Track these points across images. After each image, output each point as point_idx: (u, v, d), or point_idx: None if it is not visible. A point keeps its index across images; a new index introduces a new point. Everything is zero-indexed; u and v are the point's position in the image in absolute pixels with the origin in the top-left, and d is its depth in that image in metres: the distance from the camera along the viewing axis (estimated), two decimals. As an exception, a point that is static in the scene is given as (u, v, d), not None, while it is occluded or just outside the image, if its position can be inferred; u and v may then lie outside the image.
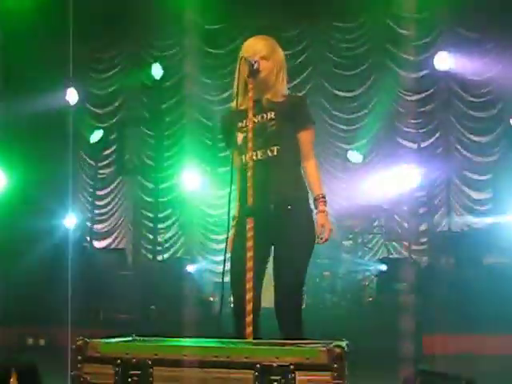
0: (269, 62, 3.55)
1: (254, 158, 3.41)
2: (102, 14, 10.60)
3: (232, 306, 3.48)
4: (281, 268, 3.43)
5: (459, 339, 7.19)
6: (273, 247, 3.48)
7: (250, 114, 3.34)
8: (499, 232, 9.02)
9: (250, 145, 3.31)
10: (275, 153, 3.46)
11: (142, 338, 2.69)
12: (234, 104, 3.59)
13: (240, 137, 3.52)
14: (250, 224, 3.21)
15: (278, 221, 3.41)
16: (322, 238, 3.43)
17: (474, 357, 6.54)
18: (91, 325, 7.59)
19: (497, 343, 6.95)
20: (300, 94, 3.87)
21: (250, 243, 3.15)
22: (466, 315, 7.30)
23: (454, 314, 7.39)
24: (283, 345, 2.47)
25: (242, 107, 3.49)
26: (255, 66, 3.43)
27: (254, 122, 3.42)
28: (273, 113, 3.51)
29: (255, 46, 3.57)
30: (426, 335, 7.24)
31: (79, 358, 2.37)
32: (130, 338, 2.66)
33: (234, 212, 3.60)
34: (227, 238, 3.49)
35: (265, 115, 3.52)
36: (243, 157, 3.48)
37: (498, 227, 9.21)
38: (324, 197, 3.48)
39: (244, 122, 3.45)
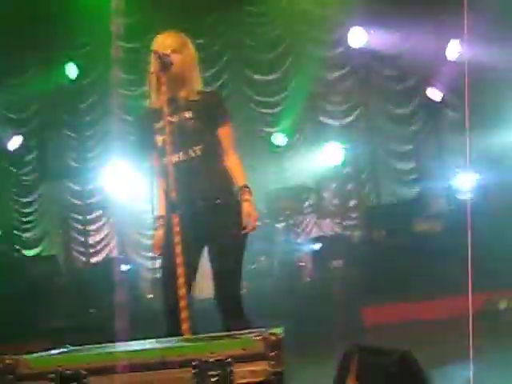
0: (180, 56, 3.52)
1: (176, 159, 3.39)
2: (8, 14, 10.28)
3: (164, 304, 3.43)
4: (217, 263, 3.43)
5: (398, 308, 7.33)
6: (205, 242, 3.47)
7: (165, 112, 3.30)
8: (426, 200, 9.24)
9: (169, 146, 3.28)
10: (198, 152, 3.45)
11: (75, 348, 2.63)
12: (148, 102, 3.55)
13: (159, 139, 3.47)
14: (175, 219, 3.18)
15: (208, 215, 3.41)
16: (249, 227, 3.42)
17: (412, 324, 6.68)
18: (28, 338, 7.38)
19: (433, 308, 7.11)
20: (214, 90, 3.85)
21: (177, 238, 3.13)
22: (402, 284, 7.46)
23: (391, 285, 7.54)
24: (219, 338, 2.46)
25: (157, 106, 3.44)
26: (166, 59, 3.38)
27: (172, 121, 3.39)
28: (190, 112, 3.48)
29: (165, 41, 3.53)
30: (365, 308, 7.36)
31: (10, 377, 2.29)
32: (64, 350, 2.60)
33: (159, 212, 3.57)
34: (154, 236, 3.47)
35: (182, 114, 3.48)
36: (164, 159, 3.41)
37: (425, 195, 9.42)
38: (247, 187, 3.48)
39: (161, 122, 3.38)
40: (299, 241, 8.93)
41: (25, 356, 2.35)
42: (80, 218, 11.07)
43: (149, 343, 2.53)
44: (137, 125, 3.78)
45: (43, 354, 2.49)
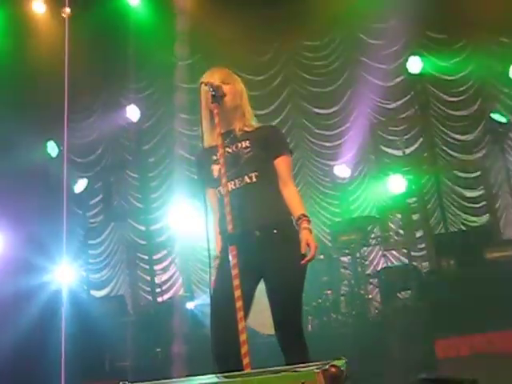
0: (230, 86, 3.49)
1: (232, 187, 3.33)
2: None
3: (213, 349, 3.27)
4: (276, 295, 3.29)
5: (471, 340, 7.07)
6: (262, 275, 3.36)
7: (220, 142, 3.25)
8: (496, 226, 8.96)
9: (226, 174, 3.21)
10: (254, 179, 3.36)
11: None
12: (204, 142, 3.50)
13: (215, 169, 3.41)
14: (233, 252, 3.11)
15: (265, 247, 3.31)
16: (308, 256, 3.30)
17: (486, 356, 6.41)
18: (98, 376, 7.44)
19: (509, 339, 6.82)
20: (271, 124, 3.75)
21: (235, 271, 3.06)
22: (474, 315, 7.18)
23: (463, 315, 7.28)
24: (277, 372, 2.37)
25: (213, 143, 3.40)
26: (218, 90, 3.36)
27: (228, 151, 3.35)
28: (247, 141, 3.42)
29: (213, 74, 3.51)
30: (437, 339, 7.12)
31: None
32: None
33: (216, 251, 3.48)
34: (210, 279, 3.36)
35: (239, 144, 3.42)
36: (220, 189, 3.35)
37: (495, 221, 9.14)
38: (306, 215, 3.36)
39: (218, 154, 3.30)
40: (366, 273, 8.73)
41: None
42: (146, 257, 11.18)
43: (211, 378, 2.47)
44: (196, 161, 3.71)
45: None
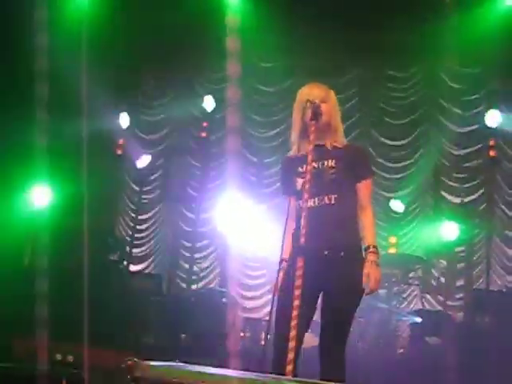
0: (328, 105, 3.64)
1: (311, 204, 3.47)
2: (160, 41, 10.86)
3: (274, 343, 3.48)
4: (329, 314, 3.47)
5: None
6: (321, 293, 3.52)
7: (310, 159, 3.39)
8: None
9: (307, 190, 3.34)
10: (332, 201, 3.51)
11: (187, 365, 2.73)
12: (293, 151, 3.67)
13: (299, 182, 3.56)
14: (299, 263, 3.25)
15: (329, 267, 3.45)
16: (366, 289, 3.43)
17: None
18: (118, 347, 7.58)
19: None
20: (360, 145, 3.93)
21: (298, 282, 3.20)
22: (498, 378, 7.16)
23: (484, 375, 7.26)
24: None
25: (303, 153, 3.56)
26: (318, 109, 3.51)
27: (314, 167, 3.49)
28: (333, 161, 3.57)
29: (314, 91, 3.67)
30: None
31: (128, 377, 2.42)
32: (176, 364, 2.71)
33: (283, 254, 3.64)
34: (277, 279, 3.53)
35: (325, 162, 3.58)
36: (300, 202, 3.49)
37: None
38: (376, 247, 3.50)
39: (304, 167, 3.46)
40: (399, 310, 8.77)
41: (144, 362, 2.48)
42: (188, 244, 11.35)
43: (256, 375, 2.59)
44: (281, 168, 3.89)
45: (158, 363, 2.60)
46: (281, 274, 3.56)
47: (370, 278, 3.41)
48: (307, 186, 3.35)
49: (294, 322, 3.15)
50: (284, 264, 3.59)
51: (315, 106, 3.49)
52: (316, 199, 3.51)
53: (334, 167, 3.56)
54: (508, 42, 9.55)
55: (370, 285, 3.41)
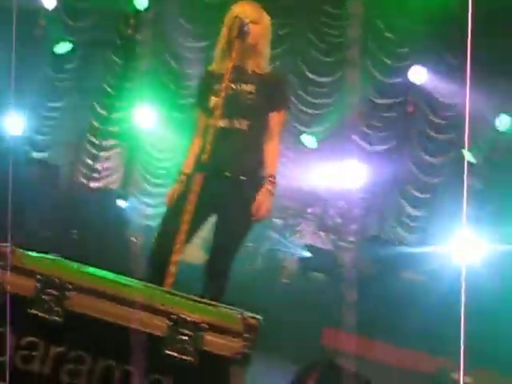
0: (258, 27, 3.56)
1: (221, 124, 3.42)
2: None
3: (157, 254, 3.47)
4: (221, 232, 3.48)
5: (358, 341, 7.36)
6: (215, 212, 3.52)
7: (227, 77, 3.32)
8: (425, 252, 9.24)
9: (220, 109, 3.30)
10: (244, 126, 3.48)
11: (64, 260, 2.68)
12: (213, 66, 3.58)
13: (213, 100, 3.49)
14: (198, 179, 3.23)
15: (228, 188, 3.44)
16: (256, 215, 3.44)
17: (369, 362, 6.72)
18: (6, 232, 7.41)
19: (393, 354, 7.16)
20: (282, 74, 3.87)
21: (192, 196, 3.18)
22: (371, 319, 7.47)
23: (360, 316, 7.55)
24: (202, 303, 2.51)
25: (222, 71, 3.46)
26: (246, 27, 3.42)
27: (232, 87, 3.43)
28: (253, 86, 3.51)
29: (247, 9, 3.56)
30: (327, 329, 7.39)
31: (0, 263, 2.35)
32: (55, 257, 2.65)
33: (183, 168, 3.61)
34: (171, 189, 3.54)
35: (244, 85, 3.51)
36: (210, 120, 3.44)
37: (426, 247, 9.42)
38: (274, 178, 3.50)
39: (221, 85, 3.38)
40: (290, 242, 8.96)
41: (21, 250, 2.41)
42: (95, 141, 11.11)
43: (136, 282, 2.58)
44: (198, 82, 3.80)
45: (35, 254, 2.54)
46: (177, 186, 3.54)
47: (261, 205, 3.43)
48: (220, 104, 3.31)
49: (180, 237, 3.14)
50: (182, 177, 3.55)
51: (243, 23, 3.39)
52: (227, 120, 3.46)
53: (251, 93, 3.50)
54: (449, 4, 9.57)
55: (260, 212, 3.43)
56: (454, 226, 9.36)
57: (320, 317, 7.44)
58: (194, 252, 3.81)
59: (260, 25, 3.57)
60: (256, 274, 8.34)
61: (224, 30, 3.57)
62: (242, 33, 3.39)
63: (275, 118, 3.57)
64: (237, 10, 3.57)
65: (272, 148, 3.56)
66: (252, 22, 3.51)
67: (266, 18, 3.66)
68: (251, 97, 3.49)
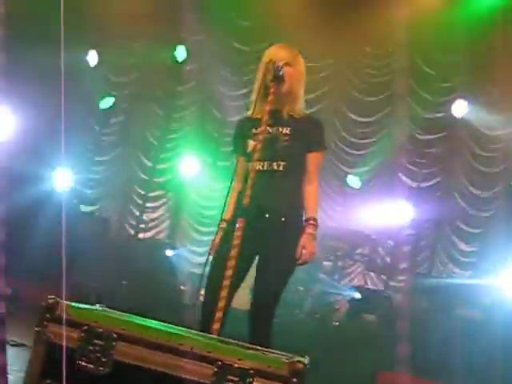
0: (293, 70, 3.56)
1: (260, 167, 3.43)
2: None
3: (203, 300, 3.47)
4: (263, 277, 3.45)
5: (414, 382, 7.19)
6: (257, 256, 3.50)
7: (264, 121, 3.34)
8: (478, 287, 9.04)
9: (258, 153, 3.32)
10: (281, 168, 3.46)
11: (111, 311, 2.70)
12: (250, 111, 3.58)
13: (251, 144, 3.51)
14: (240, 224, 3.23)
15: (269, 230, 3.43)
16: (300, 259, 3.43)
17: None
18: (58, 285, 7.51)
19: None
20: (317, 117, 3.85)
21: (236, 242, 3.17)
22: (428, 360, 7.31)
23: (416, 357, 7.39)
24: (247, 349, 2.49)
25: (259, 116, 3.47)
26: (281, 71, 3.43)
27: (268, 131, 3.44)
28: (289, 128, 3.51)
29: (280, 52, 3.57)
30: (382, 372, 7.24)
31: (47, 316, 2.37)
32: (100, 308, 2.67)
33: (224, 215, 3.59)
34: (214, 238, 3.51)
35: (280, 129, 3.51)
36: (249, 164, 3.46)
37: (478, 282, 9.23)
38: (315, 220, 3.48)
39: (258, 129, 3.41)
40: (341, 284, 8.87)
41: (66, 302, 2.43)
42: (142, 192, 11.26)
43: (182, 330, 2.58)
44: (236, 127, 3.82)
45: (82, 305, 2.56)
46: (219, 233, 3.53)
47: (305, 249, 3.41)
48: (258, 148, 3.32)
49: (226, 282, 3.13)
50: (224, 224, 3.54)
51: (278, 67, 3.40)
52: (265, 163, 3.46)
53: (287, 134, 3.50)
54: (487, 36, 9.54)
55: (304, 256, 3.41)
56: (507, 260, 9.18)
57: (374, 359, 7.30)
58: (243, 298, 3.77)
59: (295, 67, 3.58)
60: (307, 317, 8.24)
61: (259, 74, 3.57)
62: (276, 77, 3.41)
63: (312, 159, 3.56)
64: (271, 52, 3.58)
65: (312, 190, 3.54)
66: (286, 64, 3.52)
67: (301, 61, 3.66)
68: (287, 138, 3.49)
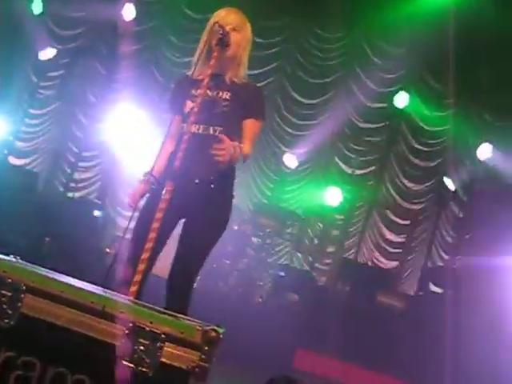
0: (239, 36, 3.47)
1: (195, 130, 3.35)
2: None
3: (124, 262, 3.37)
4: (187, 242, 3.36)
5: (330, 362, 7.30)
6: (183, 220, 3.42)
7: (204, 83, 3.27)
8: (399, 276, 9.25)
9: (195, 115, 3.25)
10: (217, 133, 3.35)
11: (24, 263, 2.59)
12: (191, 71, 3.49)
13: (189, 105, 3.42)
14: (168, 187, 3.15)
15: (197, 196, 3.35)
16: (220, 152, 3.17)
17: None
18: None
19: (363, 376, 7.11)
20: (258, 86, 3.76)
21: (162, 205, 3.10)
22: (343, 342, 7.41)
23: (333, 338, 7.49)
24: (162, 313, 2.43)
25: (200, 77, 3.40)
26: (226, 36, 3.36)
27: (208, 94, 3.36)
28: (229, 94, 3.42)
29: (228, 17, 3.48)
30: (300, 349, 7.32)
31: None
32: (13, 259, 2.56)
33: (151, 169, 3.44)
34: (135, 189, 3.43)
35: (220, 92, 3.42)
36: (184, 125, 3.38)
37: (400, 271, 9.43)
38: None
39: (198, 91, 3.34)
40: (267, 261, 8.89)
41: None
42: (76, 150, 11.00)
43: (95, 289, 2.50)
44: (174, 85, 3.72)
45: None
46: (140, 186, 3.41)
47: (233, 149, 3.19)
48: (195, 110, 3.24)
49: (148, 245, 3.06)
50: (149, 178, 3.40)
51: (224, 31, 3.33)
52: (201, 126, 3.37)
53: (227, 100, 3.42)
54: (435, 34, 9.63)
55: (227, 152, 3.14)
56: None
57: (293, 337, 7.37)
58: (166, 266, 3.69)
59: (241, 33, 3.49)
60: (230, 291, 8.24)
61: (204, 36, 3.48)
62: (221, 41, 3.33)
63: (249, 126, 3.45)
64: (220, 15, 3.49)
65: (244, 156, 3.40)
66: (233, 29, 3.44)
67: (248, 27, 3.58)
68: (226, 104, 3.41)
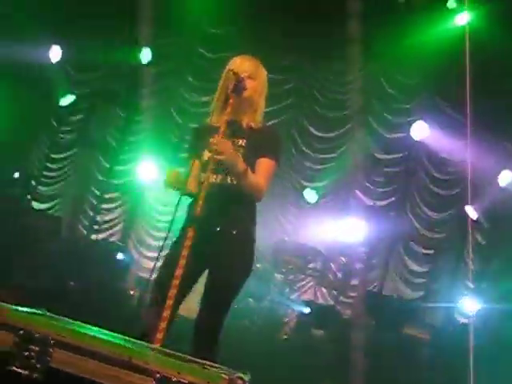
0: (254, 82, 3.55)
1: (213, 179, 3.40)
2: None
3: (148, 309, 3.41)
4: (212, 294, 3.41)
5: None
6: (209, 267, 3.46)
7: (221, 131, 3.30)
8: (426, 307, 9.15)
9: (212, 165, 3.29)
10: (235, 182, 3.42)
11: (52, 315, 2.63)
12: (209, 119, 3.57)
13: (207, 154, 3.46)
14: (190, 233, 3.18)
15: (219, 243, 3.39)
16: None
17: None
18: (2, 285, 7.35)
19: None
20: (275, 127, 3.83)
21: (185, 252, 3.13)
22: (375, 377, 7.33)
23: (363, 373, 7.41)
24: (188, 361, 2.44)
25: (217, 124, 3.44)
26: (242, 83, 3.42)
27: None
28: (244, 141, 3.48)
29: (243, 64, 3.55)
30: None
31: (-18, 319, 2.30)
32: (40, 312, 2.60)
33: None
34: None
35: (236, 140, 3.47)
36: (202, 174, 3.43)
37: (427, 303, 9.34)
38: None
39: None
40: (291, 298, 8.86)
41: (3, 304, 2.36)
42: (97, 193, 11.12)
43: (121, 339, 2.52)
44: (193, 133, 3.79)
45: (21, 309, 2.49)
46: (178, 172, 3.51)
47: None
48: (212, 161, 3.29)
49: (172, 292, 3.08)
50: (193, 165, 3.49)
51: (239, 79, 3.39)
52: (219, 177, 3.43)
53: (242, 147, 3.46)
54: (450, 62, 9.65)
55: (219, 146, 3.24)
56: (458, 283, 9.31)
57: (320, 374, 7.30)
58: (192, 306, 3.71)
59: (256, 80, 3.56)
60: (256, 329, 8.21)
61: (221, 84, 3.56)
62: (237, 88, 3.39)
63: (261, 164, 3.47)
64: (235, 63, 3.56)
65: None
66: (249, 77, 3.51)
67: (263, 73, 3.65)
68: (242, 151, 3.44)
